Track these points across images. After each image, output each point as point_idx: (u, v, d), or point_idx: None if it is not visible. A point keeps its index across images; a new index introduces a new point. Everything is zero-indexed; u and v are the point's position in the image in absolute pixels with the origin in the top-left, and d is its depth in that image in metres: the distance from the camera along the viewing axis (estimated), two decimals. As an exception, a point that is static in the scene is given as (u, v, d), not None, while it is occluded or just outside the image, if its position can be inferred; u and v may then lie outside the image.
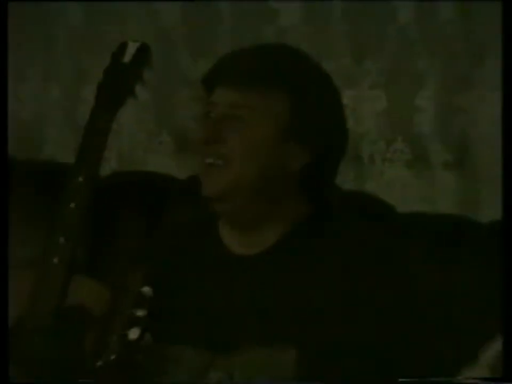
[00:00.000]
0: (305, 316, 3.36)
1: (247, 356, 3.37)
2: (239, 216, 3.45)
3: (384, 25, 4.72)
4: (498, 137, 4.21)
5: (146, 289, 3.05)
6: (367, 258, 3.47)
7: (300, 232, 3.45)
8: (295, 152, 3.38)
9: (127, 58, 3.70)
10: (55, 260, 3.64)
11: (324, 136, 3.47)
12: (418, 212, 4.28)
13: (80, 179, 3.63)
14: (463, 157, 4.68)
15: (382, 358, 3.39)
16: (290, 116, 3.39)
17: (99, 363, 3.12)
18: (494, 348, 3.26)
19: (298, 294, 3.39)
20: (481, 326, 3.71)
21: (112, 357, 3.12)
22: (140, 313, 3.05)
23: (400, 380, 3.04)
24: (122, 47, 3.73)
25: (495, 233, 3.99)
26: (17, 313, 3.79)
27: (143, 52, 3.70)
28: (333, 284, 3.40)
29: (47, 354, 3.66)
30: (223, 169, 3.36)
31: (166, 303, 3.32)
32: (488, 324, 3.60)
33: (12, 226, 4.26)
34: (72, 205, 3.64)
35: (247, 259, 3.47)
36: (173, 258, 3.55)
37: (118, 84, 3.75)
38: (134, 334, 3.05)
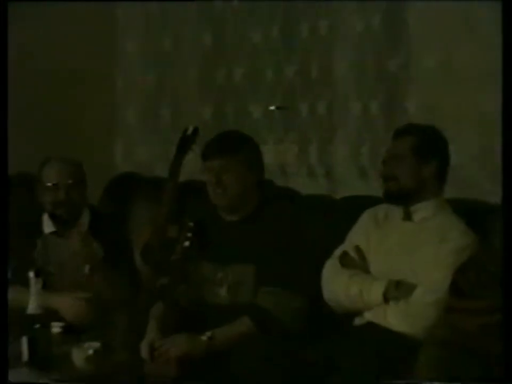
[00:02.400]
0: (258, 246, 3.25)
1: (234, 267, 3.25)
2: (230, 208, 3.34)
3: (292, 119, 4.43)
4: (345, 165, 4.30)
5: (191, 224, 3.20)
6: (284, 221, 3.33)
7: (257, 209, 3.35)
8: (251, 178, 3.33)
9: (189, 132, 3.67)
10: (160, 219, 3.68)
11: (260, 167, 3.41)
12: (311, 194, 4.06)
13: (171, 184, 3.70)
14: (330, 172, 4.31)
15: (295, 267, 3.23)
16: (248, 164, 3.32)
17: (173, 257, 3.26)
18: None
19: (257, 235, 3.27)
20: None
21: (178, 256, 3.24)
22: (189, 234, 3.20)
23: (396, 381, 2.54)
24: (187, 128, 3.72)
25: (348, 204, 3.81)
26: (145, 241, 3.70)
27: (196, 131, 3.69)
28: (270, 229, 3.28)
29: (158, 255, 3.56)
30: (222, 195, 3.29)
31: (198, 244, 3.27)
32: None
33: (140, 208, 4.28)
34: (167, 196, 3.74)
35: (232, 223, 3.36)
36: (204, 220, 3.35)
37: (185, 144, 3.68)
38: (187, 243, 3.19)
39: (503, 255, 0.62)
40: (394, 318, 3.09)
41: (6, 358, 1.38)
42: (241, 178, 3.32)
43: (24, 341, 2.92)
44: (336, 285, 3.27)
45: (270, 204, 3.41)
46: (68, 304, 3.44)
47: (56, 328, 3.13)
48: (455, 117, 3.76)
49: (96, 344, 3.02)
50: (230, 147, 3.33)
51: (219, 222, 3.40)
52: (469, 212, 3.21)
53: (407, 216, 3.27)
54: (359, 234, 3.36)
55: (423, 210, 3.23)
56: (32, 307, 3.00)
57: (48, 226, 3.69)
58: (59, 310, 3.39)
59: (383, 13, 4.11)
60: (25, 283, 3.08)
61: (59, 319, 3.22)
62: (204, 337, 3.12)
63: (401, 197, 3.26)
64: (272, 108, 4.46)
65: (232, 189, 3.31)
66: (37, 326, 2.94)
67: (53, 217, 3.67)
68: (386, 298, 3.12)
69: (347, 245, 3.36)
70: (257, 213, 3.36)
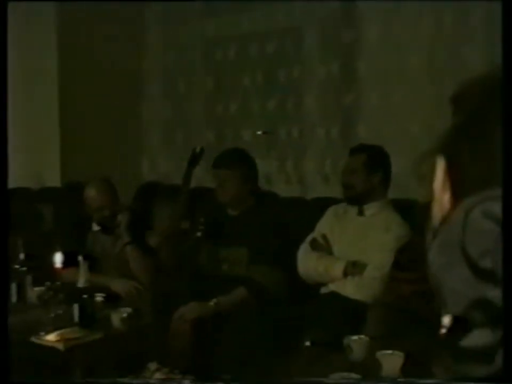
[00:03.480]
0: (251, 234, 3.20)
1: (232, 249, 3.21)
2: (231, 205, 3.29)
3: (273, 140, 4.47)
4: (313, 175, 4.22)
5: (202, 219, 3.12)
6: (269, 215, 3.29)
7: (251, 207, 3.30)
8: (247, 186, 3.29)
9: (197, 151, 3.51)
10: (176, 216, 3.56)
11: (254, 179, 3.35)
12: (288, 196, 3.98)
13: (184, 189, 3.60)
14: (302, 180, 4.25)
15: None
16: (244, 177, 3.27)
17: (187, 244, 3.26)
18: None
19: (251, 226, 3.22)
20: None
21: (192, 243, 3.23)
22: (201, 227, 3.15)
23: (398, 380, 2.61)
24: (195, 148, 3.55)
25: (316, 203, 3.74)
26: (166, 233, 3.51)
27: (202, 150, 3.52)
28: (263, 219, 3.26)
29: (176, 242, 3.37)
30: (223, 195, 3.28)
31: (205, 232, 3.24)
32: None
33: (162, 207, 4.09)
34: (181, 198, 3.66)
35: (235, 216, 3.31)
36: (210, 216, 3.32)
37: (194, 160, 3.48)
38: (199, 234, 3.12)
39: (503, 255, 0.57)
40: (351, 289, 3.08)
41: (7, 358, 1.17)
42: (238, 186, 3.28)
43: (75, 307, 2.88)
44: (308, 263, 3.24)
45: (261, 204, 3.37)
46: (127, 288, 3.38)
47: (99, 297, 3.10)
48: (393, 138, 3.75)
49: (129, 309, 2.98)
50: (232, 163, 3.30)
51: (224, 215, 3.35)
52: (406, 208, 3.18)
53: (361, 213, 3.24)
54: (325, 225, 3.32)
55: (372, 208, 3.21)
56: (81, 282, 2.98)
57: (96, 225, 3.61)
58: (117, 290, 3.36)
59: (340, 61, 4.10)
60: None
61: (101, 291, 3.17)
62: (211, 303, 3.08)
63: (357, 200, 3.23)
64: (258, 132, 4.44)
65: (230, 193, 3.29)
66: (85, 296, 2.92)
67: (99, 224, 3.58)
68: (345, 274, 3.10)
69: (315, 233, 3.32)
70: (252, 210, 3.31)
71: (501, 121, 0.62)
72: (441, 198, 0.66)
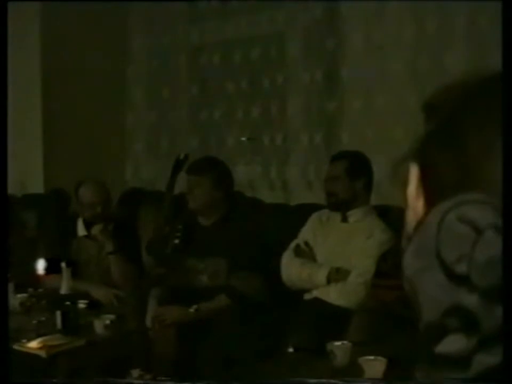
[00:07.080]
0: (227, 244, 3.18)
1: (211, 260, 3.17)
2: (201, 213, 3.28)
3: (257, 147, 4.43)
4: (297, 181, 4.20)
5: (180, 226, 3.10)
6: (243, 222, 3.30)
7: (224, 215, 3.28)
8: (218, 192, 3.26)
9: (181, 157, 3.43)
10: (159, 222, 3.56)
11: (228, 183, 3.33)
12: (272, 202, 3.95)
13: (167, 196, 3.57)
14: (285, 186, 4.19)
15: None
16: (214, 182, 3.24)
17: (166, 251, 3.18)
18: None
19: (226, 235, 3.21)
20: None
21: (169, 250, 3.17)
22: (178, 234, 3.13)
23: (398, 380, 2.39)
24: (179, 154, 3.47)
25: (299, 209, 3.71)
26: (148, 239, 3.52)
27: (186, 156, 3.45)
28: (238, 227, 3.25)
29: (158, 249, 3.30)
30: (193, 202, 3.26)
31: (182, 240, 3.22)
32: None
33: (145, 214, 4.06)
34: (164, 204, 3.62)
35: (206, 226, 3.29)
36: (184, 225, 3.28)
37: (178, 166, 3.39)
38: (176, 241, 3.09)
39: (503, 255, 0.57)
40: (334, 295, 3.08)
41: (6, 358, 1.17)
42: (207, 192, 3.26)
43: (58, 314, 2.87)
44: (291, 270, 3.23)
45: (234, 212, 3.34)
46: (108, 295, 3.38)
47: (81, 304, 3.10)
48: (377, 144, 3.75)
49: (112, 316, 2.98)
50: (202, 169, 3.29)
51: (197, 226, 3.32)
52: (389, 214, 3.18)
53: (344, 219, 3.25)
54: (308, 232, 3.32)
55: (355, 214, 3.22)
56: (64, 289, 2.95)
57: (81, 230, 3.60)
58: (98, 297, 3.35)
59: (323, 68, 4.09)
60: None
61: (84, 297, 3.17)
62: (192, 309, 3.07)
63: (340, 206, 3.24)
64: (243, 139, 4.43)
65: (199, 199, 3.26)
66: (68, 302, 2.91)
67: (86, 224, 3.56)
68: (329, 280, 3.11)
69: (299, 240, 3.32)
70: (224, 219, 3.29)
71: (475, 126, 0.63)
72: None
